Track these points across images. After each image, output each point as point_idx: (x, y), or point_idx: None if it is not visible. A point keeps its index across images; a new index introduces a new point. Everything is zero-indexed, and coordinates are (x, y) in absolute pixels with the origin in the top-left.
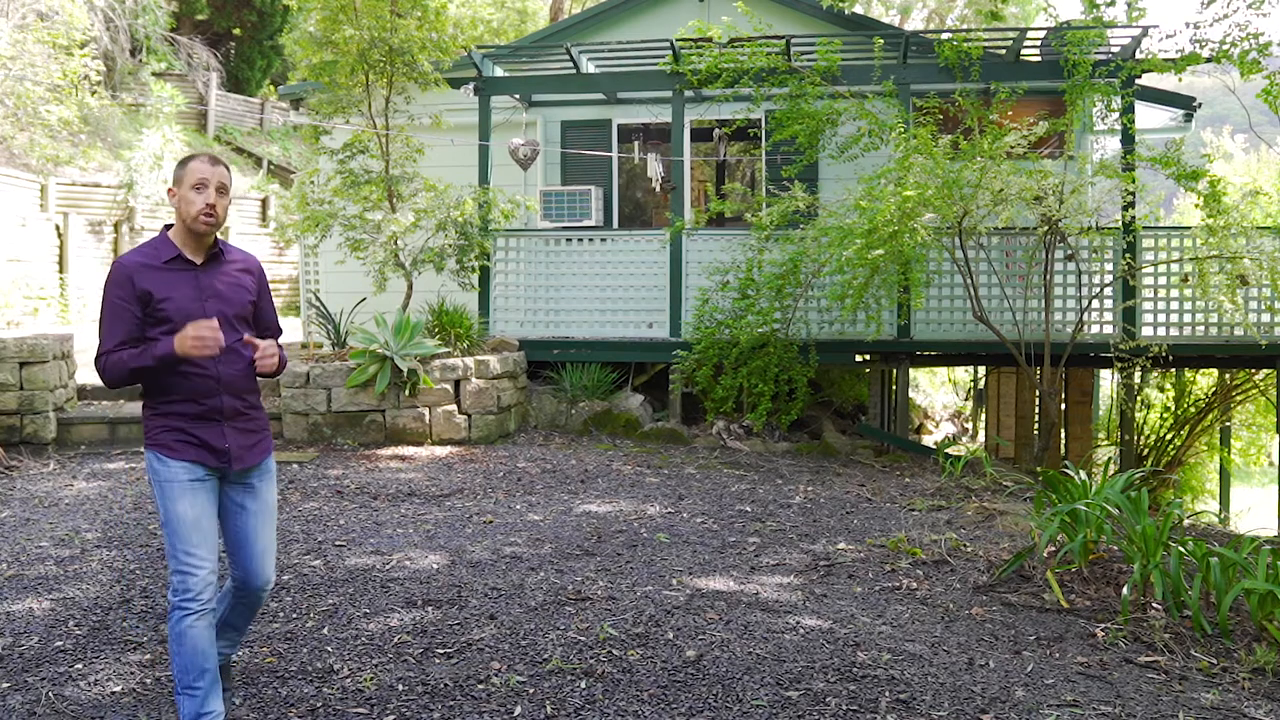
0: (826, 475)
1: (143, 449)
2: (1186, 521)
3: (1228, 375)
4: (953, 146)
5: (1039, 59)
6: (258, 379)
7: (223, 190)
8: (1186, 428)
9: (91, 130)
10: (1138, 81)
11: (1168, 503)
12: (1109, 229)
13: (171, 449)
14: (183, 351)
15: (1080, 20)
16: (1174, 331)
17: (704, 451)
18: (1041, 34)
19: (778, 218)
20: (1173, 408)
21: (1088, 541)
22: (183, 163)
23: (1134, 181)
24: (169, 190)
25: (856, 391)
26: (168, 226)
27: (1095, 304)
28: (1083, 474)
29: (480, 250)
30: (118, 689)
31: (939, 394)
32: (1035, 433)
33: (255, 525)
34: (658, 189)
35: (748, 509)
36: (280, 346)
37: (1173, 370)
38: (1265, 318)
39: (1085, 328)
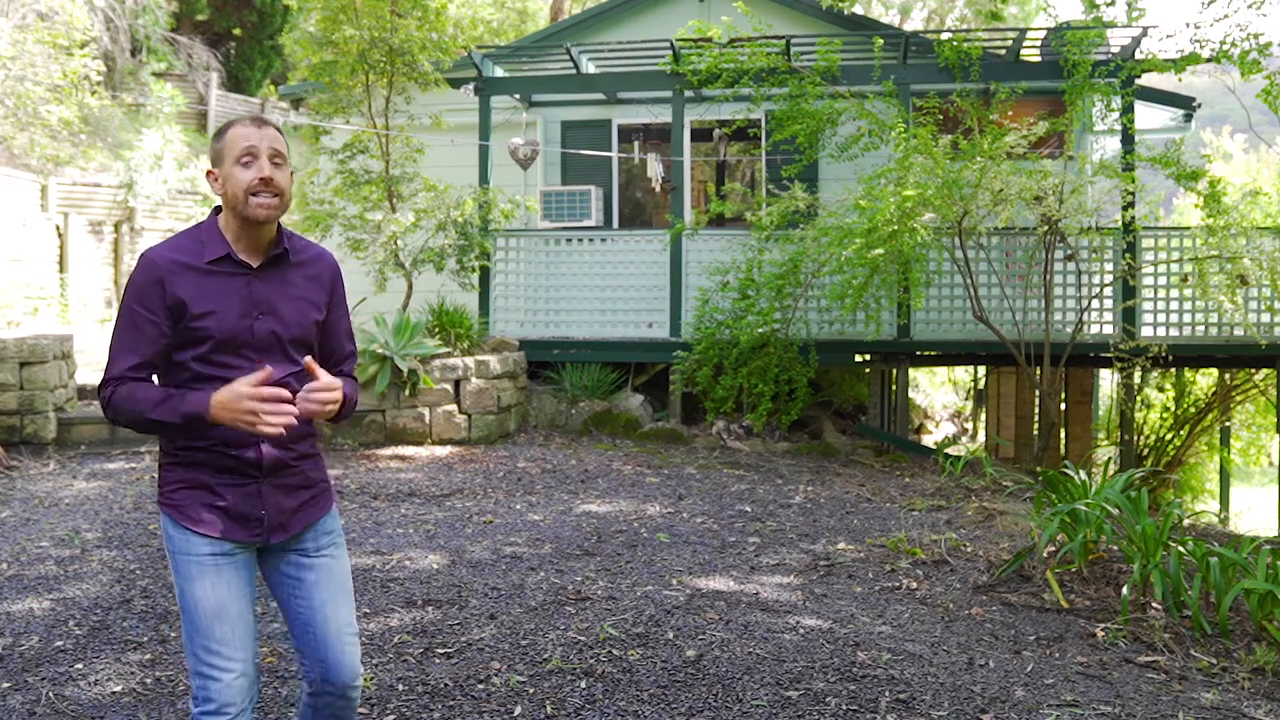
0: (826, 475)
1: (143, 449)
2: (1186, 521)
3: (1228, 375)
4: (953, 146)
5: (1039, 59)
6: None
7: (278, 159)
8: (1186, 428)
9: (92, 130)
10: (1137, 81)
11: (1168, 503)
12: (1109, 229)
13: (190, 517)
14: (223, 421)
15: (1080, 20)
16: (1174, 331)
17: (704, 451)
18: (1041, 34)
19: (778, 218)
20: (1173, 408)
21: (1088, 541)
22: (219, 134)
23: (1134, 181)
24: (208, 173)
25: (856, 391)
26: (217, 210)
27: (1095, 304)
28: (1082, 474)
29: (480, 250)
30: (118, 689)
31: (939, 394)
32: (1035, 433)
33: (321, 599)
34: (658, 189)
35: (748, 509)
36: (352, 379)
37: (1173, 370)
38: (1265, 318)
39: (1085, 328)
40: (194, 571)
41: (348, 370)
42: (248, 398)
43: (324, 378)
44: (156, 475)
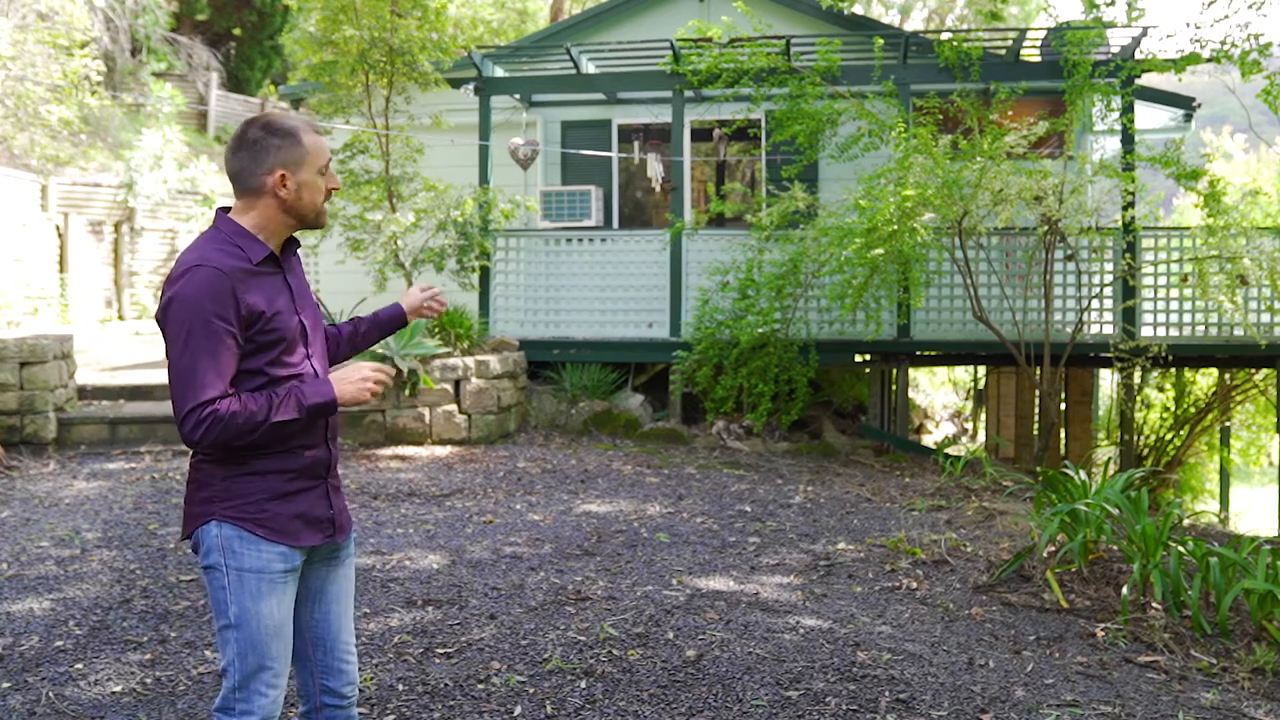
0: (826, 475)
1: (143, 450)
2: (1186, 521)
3: (1228, 375)
4: (953, 146)
5: (1039, 59)
6: None
7: None
8: (1186, 428)
9: (92, 130)
10: (1137, 81)
11: (1168, 503)
12: (1109, 229)
13: (270, 528)
14: (347, 398)
15: (1080, 20)
16: (1174, 331)
17: (704, 451)
18: (1041, 34)
19: (778, 218)
20: (1173, 408)
21: (1087, 541)
22: (289, 134)
23: (1134, 181)
24: (276, 174)
25: (856, 391)
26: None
27: (1095, 304)
28: (1083, 474)
29: (480, 250)
30: (118, 689)
31: (939, 394)
32: (1035, 433)
33: (336, 612)
34: (658, 189)
35: (748, 509)
36: None
37: (1173, 370)
38: (1265, 318)
39: (1085, 328)
40: (263, 589)
41: None
42: (367, 368)
43: (431, 290)
44: (202, 490)
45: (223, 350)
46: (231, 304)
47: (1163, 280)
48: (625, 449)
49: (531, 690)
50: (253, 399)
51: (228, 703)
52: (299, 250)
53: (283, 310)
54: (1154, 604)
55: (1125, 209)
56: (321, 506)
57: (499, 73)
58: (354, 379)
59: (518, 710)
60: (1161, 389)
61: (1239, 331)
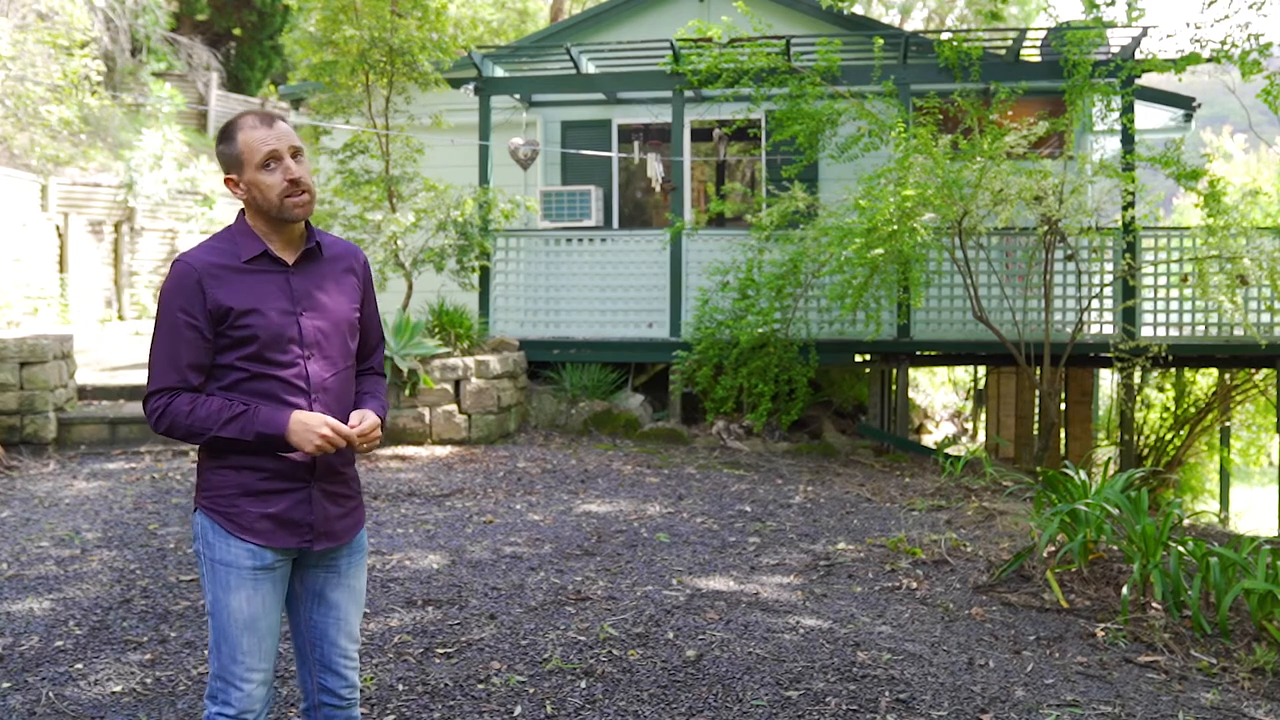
0: (826, 475)
1: (143, 450)
2: (1186, 521)
3: (1228, 375)
4: (952, 146)
5: (1039, 59)
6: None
7: (299, 155)
8: (1186, 428)
9: (92, 130)
10: (1137, 81)
11: (1168, 503)
12: (1109, 229)
13: (237, 524)
14: (294, 443)
15: (1080, 20)
16: (1174, 331)
17: (704, 451)
18: (1041, 34)
19: (778, 218)
20: (1173, 408)
21: (1087, 541)
22: (227, 138)
23: (1134, 181)
24: (227, 180)
25: (856, 391)
26: (243, 212)
27: (1095, 304)
28: (1083, 474)
29: (480, 250)
30: (118, 689)
31: (939, 394)
32: (1035, 433)
33: (337, 616)
34: (658, 189)
35: (748, 509)
36: (380, 376)
37: (1173, 370)
38: (1265, 318)
39: (1085, 328)
40: (233, 582)
41: (376, 364)
42: (327, 426)
43: (362, 418)
44: (196, 478)
45: (182, 343)
46: (198, 298)
47: (1163, 280)
48: (625, 449)
49: (531, 690)
50: (207, 405)
51: (212, 691)
52: (341, 260)
53: (262, 308)
54: (1154, 604)
55: (1125, 209)
56: (301, 510)
57: (499, 73)
58: (311, 426)
59: (518, 710)
60: (1161, 389)
61: (1239, 331)
